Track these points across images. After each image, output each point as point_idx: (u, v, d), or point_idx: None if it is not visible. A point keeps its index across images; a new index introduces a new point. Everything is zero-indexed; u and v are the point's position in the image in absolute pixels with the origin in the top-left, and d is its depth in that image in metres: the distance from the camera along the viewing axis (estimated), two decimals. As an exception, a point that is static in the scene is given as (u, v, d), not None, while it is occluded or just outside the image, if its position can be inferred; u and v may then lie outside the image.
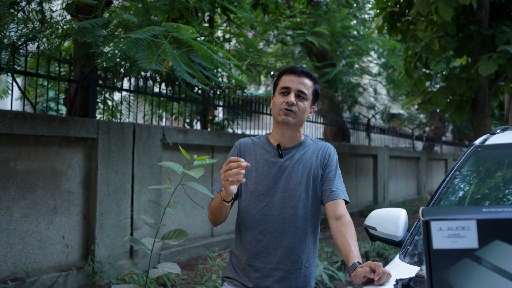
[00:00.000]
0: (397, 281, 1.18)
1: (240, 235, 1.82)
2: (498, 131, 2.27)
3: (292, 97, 1.73)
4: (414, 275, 1.21)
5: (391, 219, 1.93)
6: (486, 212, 0.83)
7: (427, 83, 8.65)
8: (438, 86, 9.63)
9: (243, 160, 1.51)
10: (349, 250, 1.59)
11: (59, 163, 3.76)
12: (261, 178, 1.78)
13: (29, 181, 3.55)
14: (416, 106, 10.76)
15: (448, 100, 6.51)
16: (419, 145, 15.65)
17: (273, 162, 1.79)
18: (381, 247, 5.68)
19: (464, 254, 0.81)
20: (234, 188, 1.55)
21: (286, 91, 1.76)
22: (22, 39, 3.31)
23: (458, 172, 2.10)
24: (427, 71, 7.04)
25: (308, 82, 1.79)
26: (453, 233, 0.81)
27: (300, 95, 1.76)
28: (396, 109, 16.59)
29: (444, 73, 10.00)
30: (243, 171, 1.51)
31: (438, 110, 10.76)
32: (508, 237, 0.79)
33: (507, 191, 2.04)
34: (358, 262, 1.48)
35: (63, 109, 8.70)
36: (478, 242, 0.80)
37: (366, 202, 9.42)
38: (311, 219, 1.79)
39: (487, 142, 2.14)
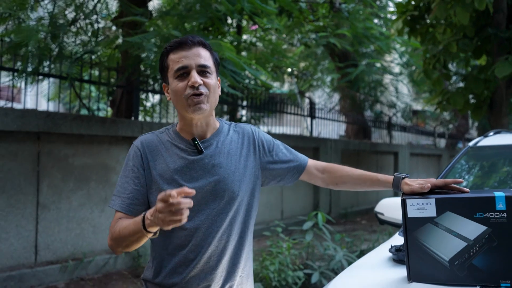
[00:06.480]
0: (391, 246, 1.59)
1: (165, 258, 1.40)
2: (491, 133, 2.62)
3: (195, 76, 1.33)
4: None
5: (397, 206, 2.33)
6: (441, 194, 1.25)
7: (446, 83, 8.87)
8: (457, 86, 9.80)
9: (187, 189, 1.10)
10: (370, 174, 1.49)
11: (108, 159, 4.29)
12: (182, 185, 1.35)
13: (85, 174, 4.08)
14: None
15: (466, 100, 6.75)
16: (442, 142, 15.75)
17: (193, 161, 1.39)
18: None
19: (427, 220, 1.23)
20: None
21: (184, 71, 1.35)
22: (80, 52, 3.83)
23: (450, 170, 2.46)
24: (446, 72, 7.29)
25: (204, 52, 1.38)
26: (420, 207, 1.23)
27: (203, 71, 1.36)
28: (418, 106, 16.69)
29: (464, 71, 10.15)
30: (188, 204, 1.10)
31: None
32: (455, 209, 1.21)
33: (486, 187, 2.36)
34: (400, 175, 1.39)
35: (104, 109, 9.34)
36: (436, 213, 1.22)
37: (386, 198, 9.70)
38: (250, 221, 1.47)
39: (479, 144, 2.49)
